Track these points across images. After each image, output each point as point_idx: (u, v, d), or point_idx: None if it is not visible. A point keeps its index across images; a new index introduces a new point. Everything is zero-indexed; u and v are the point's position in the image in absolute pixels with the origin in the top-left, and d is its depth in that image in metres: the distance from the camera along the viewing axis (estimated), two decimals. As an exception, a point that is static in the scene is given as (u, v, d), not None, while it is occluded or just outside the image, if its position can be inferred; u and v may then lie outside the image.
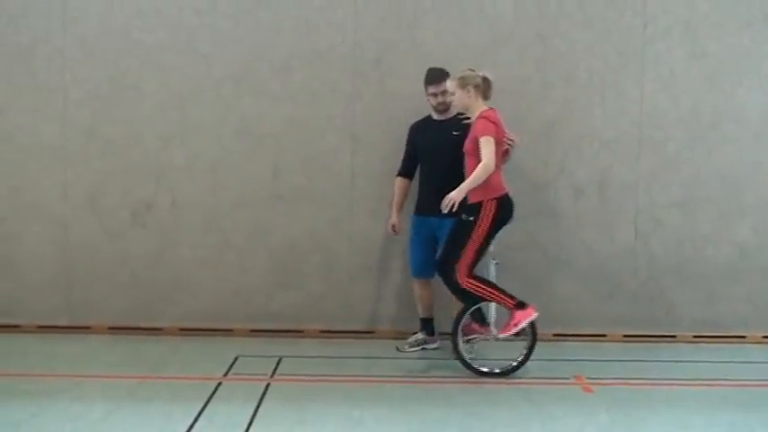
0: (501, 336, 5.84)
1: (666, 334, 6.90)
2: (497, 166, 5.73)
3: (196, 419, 4.91)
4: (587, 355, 6.48)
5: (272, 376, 5.83)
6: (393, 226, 6.53)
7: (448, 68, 6.66)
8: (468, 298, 5.83)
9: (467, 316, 5.92)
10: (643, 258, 6.89)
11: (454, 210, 5.58)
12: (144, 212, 6.86)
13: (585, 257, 6.88)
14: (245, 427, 4.82)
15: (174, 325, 6.91)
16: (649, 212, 6.86)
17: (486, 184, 5.61)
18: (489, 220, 5.70)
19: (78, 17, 6.74)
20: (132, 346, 6.56)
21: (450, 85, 5.87)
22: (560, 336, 6.88)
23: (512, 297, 5.75)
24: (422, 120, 6.46)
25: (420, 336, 6.54)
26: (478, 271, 5.89)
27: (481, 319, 6.03)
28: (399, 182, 6.52)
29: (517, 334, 5.79)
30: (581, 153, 6.84)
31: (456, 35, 6.76)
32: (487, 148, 5.58)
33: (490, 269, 5.93)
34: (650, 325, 6.91)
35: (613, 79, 6.81)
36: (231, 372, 5.91)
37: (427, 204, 6.26)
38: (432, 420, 5.05)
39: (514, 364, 5.89)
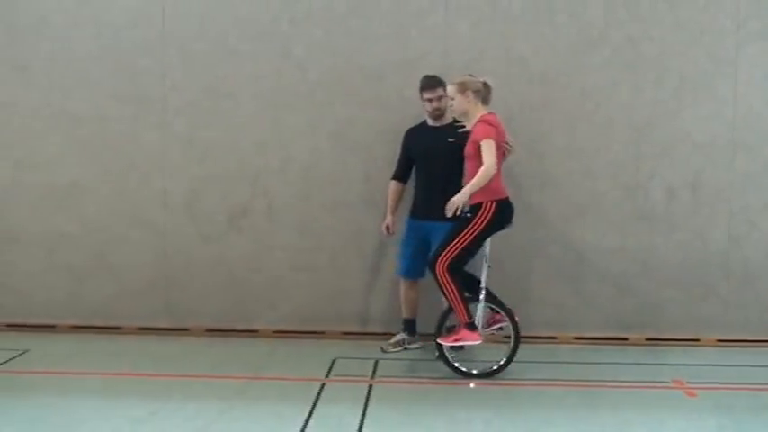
0: (439, 341, 5.86)
1: (761, 339, 6.83)
2: (499, 171, 5.77)
3: (308, 420, 5.03)
4: (683, 360, 6.45)
5: (372, 378, 5.94)
6: (387, 227, 6.62)
7: (538, 74, 6.79)
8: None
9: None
10: (736, 262, 6.84)
11: (458, 214, 5.61)
12: (240, 217, 7.02)
13: (678, 261, 6.85)
14: (357, 427, 4.93)
15: (268, 327, 7.05)
16: (743, 216, 6.81)
17: (486, 186, 5.65)
18: (486, 222, 5.72)
19: (177, 27, 6.94)
20: (230, 347, 6.73)
21: (450, 90, 5.91)
22: (653, 340, 6.87)
23: (470, 314, 5.76)
24: (417, 126, 6.54)
25: (402, 336, 6.60)
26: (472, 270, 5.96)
27: (496, 311, 6.04)
28: (393, 185, 6.62)
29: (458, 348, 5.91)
30: (673, 156, 6.82)
31: (546, 40, 6.80)
32: (489, 151, 5.63)
33: (482, 271, 5.92)
34: (743, 329, 6.85)
35: (705, 82, 6.78)
36: (332, 373, 6.02)
37: (421, 208, 6.39)
38: (537, 421, 5.10)
39: (495, 367, 5.92)
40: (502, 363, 5.96)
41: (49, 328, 7.14)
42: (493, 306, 5.98)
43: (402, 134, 6.63)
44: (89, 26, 7.00)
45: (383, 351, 6.55)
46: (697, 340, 6.86)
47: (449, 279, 5.72)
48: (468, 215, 5.73)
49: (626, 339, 6.89)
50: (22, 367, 6.15)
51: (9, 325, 7.17)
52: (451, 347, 5.95)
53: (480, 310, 5.90)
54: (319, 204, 6.98)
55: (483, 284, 5.91)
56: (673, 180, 6.82)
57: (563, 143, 6.86)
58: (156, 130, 7.02)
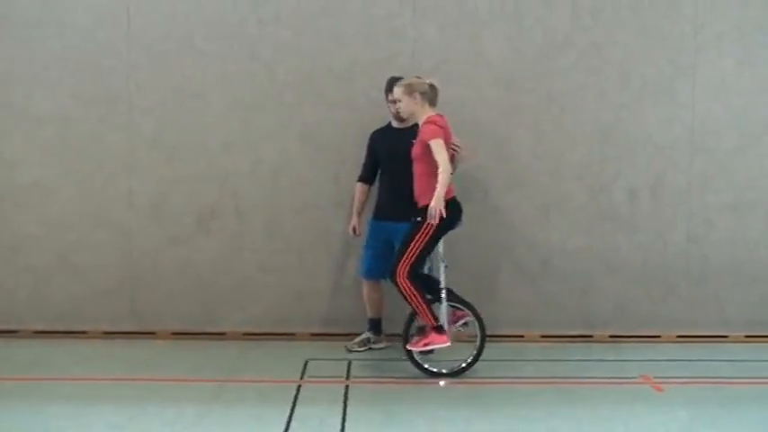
0: (409, 347, 5.93)
1: (720, 334, 7.05)
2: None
3: (289, 422, 5.04)
4: (647, 356, 6.62)
5: (347, 378, 5.96)
6: (353, 228, 6.68)
7: (505, 77, 6.89)
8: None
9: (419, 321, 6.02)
10: (695, 261, 7.04)
11: (444, 216, 5.65)
12: (208, 219, 6.97)
13: (640, 260, 7.02)
14: (339, 428, 4.96)
15: (237, 330, 7.02)
16: (702, 216, 7.02)
17: (433, 188, 5.68)
18: (436, 224, 5.74)
19: (142, 28, 6.86)
20: (200, 350, 6.68)
21: (396, 91, 5.97)
22: (616, 337, 7.03)
23: (436, 318, 5.83)
24: (382, 127, 6.61)
25: (366, 335, 6.67)
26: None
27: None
28: (359, 187, 6.67)
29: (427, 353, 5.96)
30: (635, 158, 6.99)
31: (513, 44, 6.91)
32: (440, 150, 5.67)
33: (440, 271, 6.02)
34: (703, 326, 7.06)
35: (666, 86, 6.96)
36: (306, 375, 6.03)
37: (384, 210, 6.48)
38: (517, 419, 5.19)
39: (464, 365, 6.01)
40: (469, 361, 6.03)
41: (11, 333, 6.98)
42: (455, 305, 6.04)
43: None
44: (52, 26, 6.87)
45: (348, 350, 6.57)
46: (658, 337, 7.05)
47: (410, 286, 5.77)
48: (419, 219, 5.79)
49: (590, 337, 7.04)
50: (-13, 374, 6.02)
51: (-32, 330, 7.00)
52: (421, 352, 6.00)
53: (444, 311, 5.96)
54: (288, 206, 6.97)
55: (443, 285, 5.97)
56: (635, 181, 7.00)
57: (529, 145, 6.97)
58: (121, 130, 6.93)
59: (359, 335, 6.78)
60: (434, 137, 5.71)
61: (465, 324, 6.08)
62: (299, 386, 5.75)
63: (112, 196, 6.97)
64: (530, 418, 5.18)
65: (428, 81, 5.91)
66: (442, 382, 5.89)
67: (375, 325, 6.72)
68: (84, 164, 6.95)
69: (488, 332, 6.75)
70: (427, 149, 5.74)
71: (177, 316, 7.01)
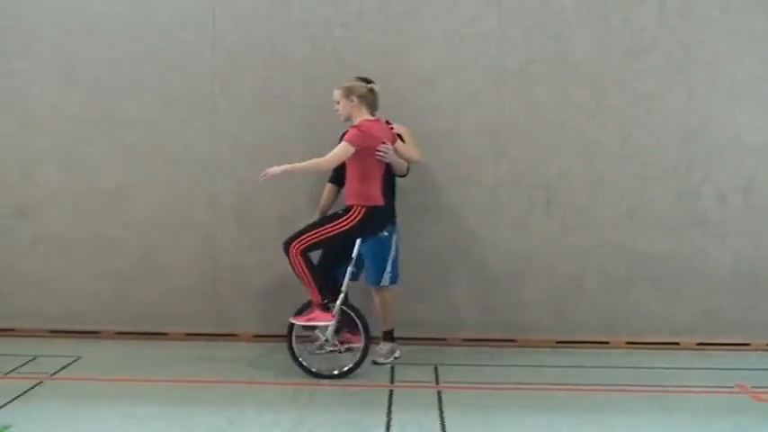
0: (292, 320, 5.92)
1: (814, 341, 6.88)
2: (374, 177, 5.84)
3: (388, 427, 4.99)
4: (740, 364, 6.47)
5: (437, 384, 5.90)
6: None
7: (591, 78, 6.79)
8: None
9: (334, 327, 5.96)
10: (789, 265, 6.88)
11: (262, 179, 5.74)
12: (291, 220, 6.93)
13: (730, 265, 6.86)
14: (440, 433, 4.90)
15: (318, 333, 6.99)
16: (796, 219, 6.85)
17: (359, 190, 5.79)
18: (351, 224, 5.78)
19: (227, 30, 6.87)
20: (285, 353, 6.62)
21: (335, 94, 5.96)
22: (704, 344, 6.87)
23: (323, 295, 5.80)
24: None
25: (390, 345, 6.44)
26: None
27: (353, 326, 6.04)
28: (328, 187, 6.58)
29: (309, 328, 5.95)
30: (724, 160, 6.84)
31: (599, 44, 6.80)
32: (338, 150, 5.73)
33: (345, 275, 5.94)
34: (796, 332, 6.89)
35: (757, 87, 6.80)
36: (395, 379, 5.98)
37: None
38: (620, 427, 5.09)
39: (350, 366, 5.95)
40: (351, 366, 5.96)
41: (93, 334, 7.03)
42: (347, 310, 5.98)
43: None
44: (137, 28, 6.91)
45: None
46: (748, 344, 6.87)
47: (301, 260, 5.77)
48: (340, 212, 5.85)
49: (677, 344, 6.89)
50: (79, 374, 6.04)
51: (52, 331, 7.05)
52: (303, 328, 5.95)
53: (336, 313, 5.91)
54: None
55: (343, 288, 5.92)
56: (724, 184, 6.84)
57: (615, 148, 6.85)
58: (205, 132, 6.94)
59: (441, 339, 6.72)
60: (347, 139, 5.74)
61: (349, 350, 6.03)
62: (391, 391, 5.69)
63: (195, 198, 6.99)
64: (634, 426, 5.07)
65: (368, 85, 5.89)
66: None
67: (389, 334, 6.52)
68: (168, 166, 6.97)
69: (573, 338, 6.75)
70: (355, 153, 5.73)
71: (259, 318, 7.00)
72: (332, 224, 5.83)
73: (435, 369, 6.22)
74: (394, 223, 6.32)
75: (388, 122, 6.26)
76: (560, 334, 6.91)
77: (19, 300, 7.03)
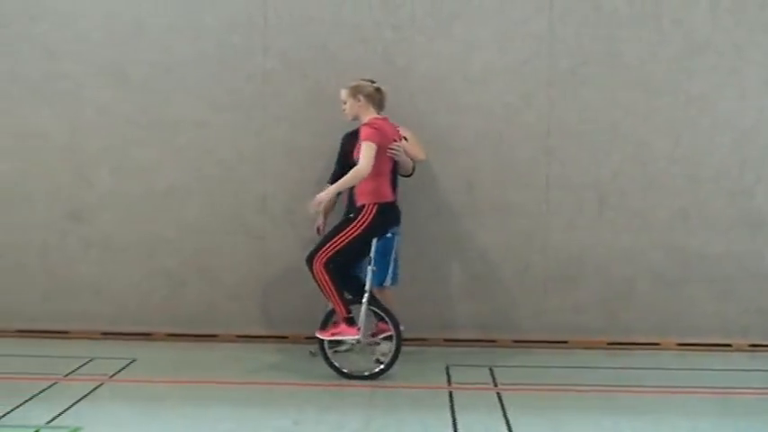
0: (318, 334, 5.92)
1: None
2: (384, 174, 5.84)
3: (455, 429, 4.99)
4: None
5: (495, 385, 5.91)
6: (318, 228, 6.56)
7: (643, 78, 6.78)
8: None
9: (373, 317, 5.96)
10: (842, 267, 6.84)
11: (316, 209, 5.83)
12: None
13: (783, 266, 6.85)
14: (509, 436, 4.91)
15: (368, 334, 7.00)
16: None
17: (371, 188, 5.78)
18: (366, 224, 5.78)
19: (278, 33, 6.89)
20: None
21: (342, 94, 5.98)
22: (757, 346, 6.85)
23: (348, 309, 5.81)
24: (354, 130, 6.38)
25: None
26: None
27: (382, 318, 6.00)
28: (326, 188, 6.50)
29: (335, 343, 5.97)
30: (777, 162, 6.83)
31: (651, 46, 6.79)
32: (366, 152, 5.70)
33: (367, 274, 5.91)
34: None
35: (809, 88, 6.79)
36: (452, 381, 5.99)
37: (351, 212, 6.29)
38: (684, 429, 5.09)
39: (377, 370, 5.93)
40: (382, 367, 5.94)
41: (145, 336, 7.07)
42: (377, 311, 5.96)
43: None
44: (188, 31, 6.95)
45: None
46: (801, 345, 6.86)
47: (325, 274, 5.77)
48: (351, 216, 5.82)
49: (729, 345, 6.87)
50: (138, 376, 6.08)
51: (105, 333, 7.09)
52: (330, 343, 5.94)
53: (363, 314, 5.88)
54: (421, 211, 6.91)
55: (367, 288, 5.89)
56: (777, 185, 6.83)
57: (667, 149, 6.84)
58: (255, 136, 6.97)
59: (492, 341, 6.74)
60: (367, 139, 5.73)
61: (386, 338, 5.99)
62: (451, 392, 5.70)
63: (246, 201, 7.02)
64: (698, 429, 5.08)
65: (374, 85, 5.91)
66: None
67: None
68: (219, 168, 7.00)
69: (624, 339, 6.74)
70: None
71: (309, 320, 6.98)
72: (348, 229, 5.83)
73: (491, 371, 6.22)
74: (398, 224, 6.30)
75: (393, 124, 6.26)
76: (612, 335, 6.89)
77: (73, 302, 7.06)
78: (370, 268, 5.94)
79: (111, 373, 6.04)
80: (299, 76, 6.93)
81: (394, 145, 5.97)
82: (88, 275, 7.07)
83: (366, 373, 5.97)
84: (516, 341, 6.95)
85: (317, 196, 5.84)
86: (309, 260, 5.88)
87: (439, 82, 6.89)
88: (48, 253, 7.07)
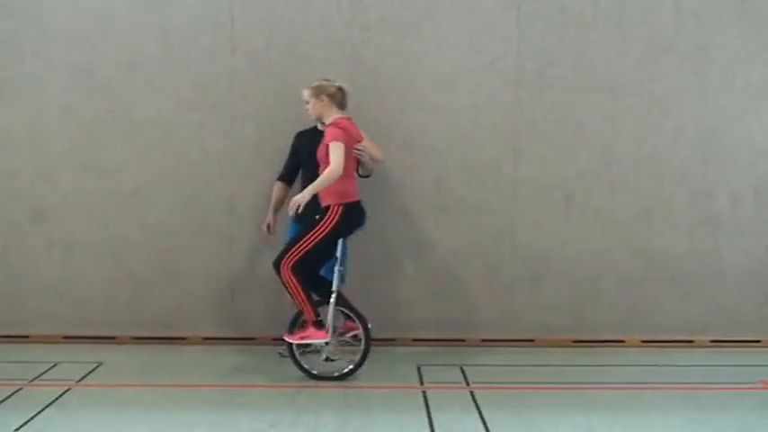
0: (286, 338, 5.93)
1: (824, 338, 7.03)
2: (349, 174, 5.89)
3: (432, 429, 5.01)
4: (757, 361, 6.59)
5: (467, 384, 5.94)
6: (268, 225, 6.62)
7: (609, 80, 6.88)
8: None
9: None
10: (798, 265, 7.02)
11: (299, 212, 5.71)
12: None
13: (742, 264, 6.99)
14: (481, 435, 4.94)
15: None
16: (806, 219, 7.00)
17: (336, 189, 5.78)
18: (333, 224, 5.80)
19: (246, 33, 6.84)
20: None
21: (305, 94, 5.99)
22: (718, 342, 6.99)
23: (316, 313, 5.84)
24: (307, 129, 6.51)
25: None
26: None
27: (350, 317, 6.05)
28: (278, 186, 6.61)
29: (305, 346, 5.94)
30: (737, 161, 6.96)
31: (616, 47, 6.89)
32: (335, 153, 5.70)
33: (334, 275, 5.98)
34: (806, 329, 7.04)
35: (768, 89, 6.95)
36: (425, 380, 6.00)
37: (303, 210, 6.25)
38: (659, 425, 5.18)
39: (346, 371, 5.95)
40: (351, 367, 5.96)
41: (110, 339, 6.95)
42: (345, 311, 6.01)
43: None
44: (154, 30, 6.85)
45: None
46: (759, 342, 7.00)
47: (293, 279, 5.78)
48: (317, 217, 5.82)
49: (692, 342, 7.01)
50: (105, 380, 5.97)
51: (67, 337, 6.95)
52: (298, 346, 5.94)
53: (331, 314, 5.91)
54: (389, 211, 6.93)
55: (334, 288, 5.93)
56: (737, 185, 6.97)
57: (631, 149, 6.95)
58: (223, 136, 6.90)
59: (461, 340, 6.79)
60: (334, 139, 5.74)
61: (354, 337, 6.04)
62: (424, 392, 5.71)
63: (213, 202, 6.94)
64: (673, 425, 5.18)
65: (336, 84, 5.94)
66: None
67: None
68: (186, 169, 6.92)
69: (589, 337, 6.82)
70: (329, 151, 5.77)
71: (277, 321, 6.92)
72: (314, 231, 5.81)
73: (462, 370, 6.25)
74: (364, 223, 6.25)
75: None
76: (578, 333, 6.99)
77: (34, 305, 6.93)
78: (337, 268, 5.94)
79: (78, 378, 5.93)
80: (268, 76, 6.88)
81: (359, 145, 5.96)
82: (50, 277, 6.93)
83: (336, 374, 5.96)
84: (485, 340, 6.99)
85: (294, 198, 5.79)
86: (277, 265, 5.84)
87: (408, 81, 6.90)
88: (9, 254, 6.93)
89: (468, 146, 6.93)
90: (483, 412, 5.28)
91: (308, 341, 5.90)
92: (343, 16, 6.84)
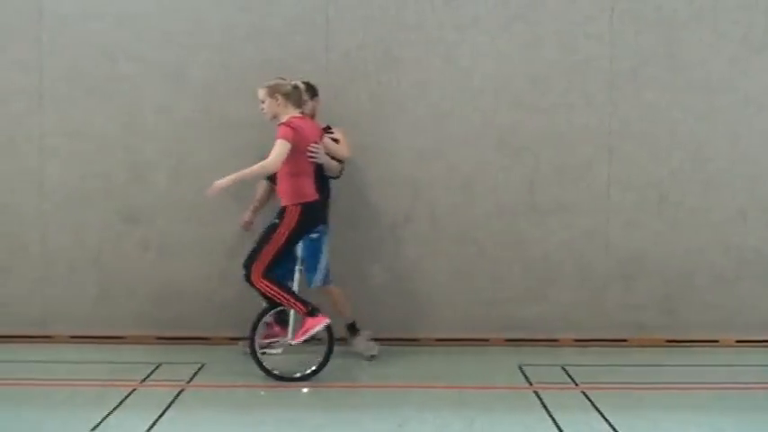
0: (293, 342, 5.89)
1: None
2: (306, 173, 5.86)
3: (560, 429, 5.02)
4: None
5: (576, 384, 5.93)
6: (246, 222, 6.62)
7: (702, 79, 6.86)
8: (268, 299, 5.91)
9: (269, 318, 6.02)
10: None
11: (211, 194, 5.72)
12: (402, 224, 6.95)
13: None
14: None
15: (429, 335, 6.99)
16: None
17: (293, 189, 5.79)
18: (292, 226, 5.79)
19: (340, 34, 6.85)
20: (404, 356, 6.62)
21: (260, 93, 5.93)
22: (743, 342, 6.95)
23: (305, 304, 5.82)
24: None
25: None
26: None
27: (284, 322, 6.09)
28: (262, 184, 6.59)
29: (309, 340, 5.86)
30: (826, 159, 6.94)
31: (710, 46, 6.87)
32: (276, 149, 5.67)
33: (294, 276, 6.00)
34: None
35: None
36: (532, 380, 6.00)
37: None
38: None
39: (308, 372, 5.91)
40: (314, 368, 5.92)
41: (204, 340, 6.95)
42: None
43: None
44: (249, 33, 6.87)
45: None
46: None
47: (268, 285, 5.79)
48: (276, 221, 5.81)
49: (785, 341, 6.99)
50: (214, 381, 5.99)
51: (159, 338, 6.96)
52: (305, 342, 5.87)
53: (293, 315, 5.92)
54: (482, 211, 6.94)
55: (295, 288, 5.96)
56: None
57: (725, 148, 6.92)
58: (316, 136, 6.90)
59: (554, 340, 6.81)
60: (281, 136, 5.70)
61: (270, 345, 6.13)
62: (536, 392, 5.71)
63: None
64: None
65: (292, 83, 5.91)
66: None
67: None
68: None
69: (683, 337, 6.79)
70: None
71: (377, 321, 6.92)
72: (275, 234, 5.79)
73: (564, 369, 6.23)
74: (326, 223, 6.31)
75: (328, 127, 6.31)
76: (671, 333, 6.97)
77: (128, 306, 6.99)
78: (297, 268, 5.97)
79: (187, 379, 5.95)
80: (361, 77, 6.90)
81: (312, 147, 5.90)
82: (145, 278, 6.95)
83: (297, 375, 5.92)
84: (577, 340, 6.98)
85: (216, 183, 5.71)
86: (248, 279, 5.84)
87: (501, 82, 6.89)
88: (103, 255, 6.96)
89: (562, 146, 6.91)
90: (604, 412, 5.26)
91: (312, 333, 5.82)
92: (437, 16, 6.84)
